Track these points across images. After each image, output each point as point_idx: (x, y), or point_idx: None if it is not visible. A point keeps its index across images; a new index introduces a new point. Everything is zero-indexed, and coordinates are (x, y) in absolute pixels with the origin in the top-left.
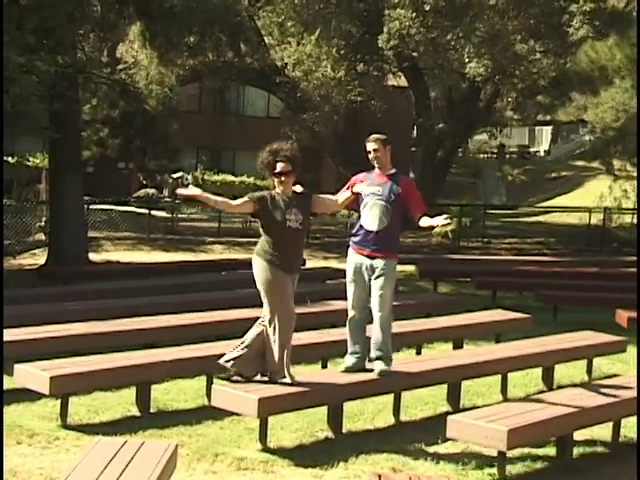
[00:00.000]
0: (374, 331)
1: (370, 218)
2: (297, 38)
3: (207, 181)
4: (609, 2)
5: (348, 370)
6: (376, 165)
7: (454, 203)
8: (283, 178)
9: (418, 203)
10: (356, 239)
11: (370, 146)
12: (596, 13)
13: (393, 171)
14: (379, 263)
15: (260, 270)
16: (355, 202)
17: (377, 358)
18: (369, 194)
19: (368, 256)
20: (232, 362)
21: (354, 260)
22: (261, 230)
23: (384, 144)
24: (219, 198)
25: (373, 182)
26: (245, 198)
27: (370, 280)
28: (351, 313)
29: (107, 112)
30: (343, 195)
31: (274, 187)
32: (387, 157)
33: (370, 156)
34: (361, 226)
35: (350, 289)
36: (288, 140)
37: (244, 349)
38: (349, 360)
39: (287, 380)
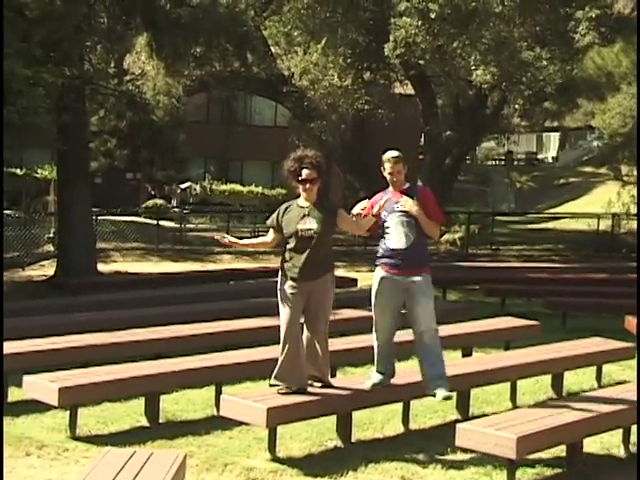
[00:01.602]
0: (427, 357)
1: (396, 236)
2: (303, 47)
3: (215, 191)
4: (615, 8)
5: (375, 387)
6: (392, 183)
7: (462, 210)
8: (308, 185)
9: (435, 213)
10: (384, 260)
11: (387, 167)
12: (602, 19)
13: (407, 185)
14: (415, 280)
15: (278, 279)
16: (377, 225)
17: (438, 386)
18: (390, 212)
19: (401, 274)
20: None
21: (384, 280)
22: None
23: (400, 162)
24: (254, 240)
25: (391, 200)
26: (270, 230)
27: (405, 301)
28: (381, 336)
29: (115, 123)
30: (366, 221)
31: (298, 195)
32: (404, 174)
33: (387, 176)
34: (387, 246)
35: (379, 310)
36: (309, 149)
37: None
38: (376, 377)
39: (278, 387)
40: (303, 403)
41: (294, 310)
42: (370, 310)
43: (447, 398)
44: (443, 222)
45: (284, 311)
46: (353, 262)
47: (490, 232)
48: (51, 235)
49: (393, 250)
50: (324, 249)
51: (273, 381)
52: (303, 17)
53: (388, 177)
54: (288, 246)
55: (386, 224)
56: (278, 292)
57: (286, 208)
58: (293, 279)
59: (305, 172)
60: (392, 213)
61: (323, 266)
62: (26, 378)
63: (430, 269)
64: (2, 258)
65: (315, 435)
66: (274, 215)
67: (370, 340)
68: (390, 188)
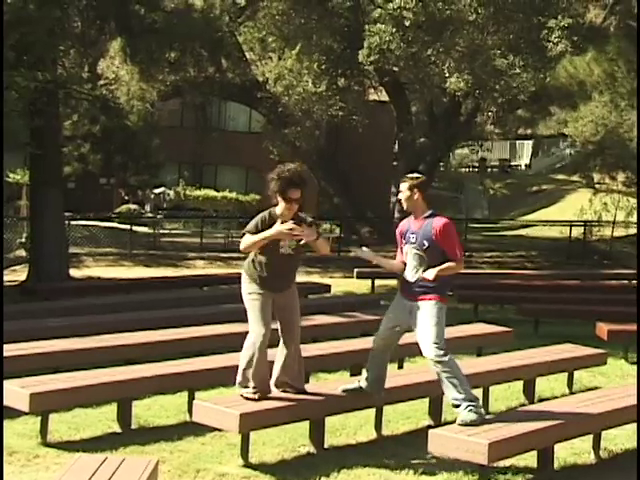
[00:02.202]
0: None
1: (409, 267)
2: (278, 53)
3: (189, 196)
4: (587, 17)
5: (345, 391)
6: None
7: None
8: (294, 204)
9: (450, 249)
10: (401, 282)
11: (400, 193)
12: (574, 28)
13: (428, 213)
14: (418, 306)
15: (245, 286)
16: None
17: (455, 407)
18: (407, 243)
19: (407, 298)
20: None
21: (398, 297)
22: (257, 252)
23: (412, 187)
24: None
25: (410, 229)
26: (247, 235)
27: (409, 323)
28: (377, 341)
29: (88, 128)
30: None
31: (275, 208)
32: (417, 201)
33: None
34: (404, 273)
35: (386, 319)
36: (291, 162)
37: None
38: (353, 385)
39: (243, 392)
40: (276, 409)
41: (268, 316)
42: (342, 316)
43: (463, 424)
44: (456, 259)
45: (257, 317)
46: (327, 268)
47: (464, 239)
48: (23, 240)
49: (406, 280)
50: (297, 262)
51: (240, 386)
52: (278, 23)
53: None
54: (263, 256)
55: (405, 251)
56: (248, 298)
57: (270, 222)
58: (269, 288)
59: (295, 193)
60: (407, 244)
61: (293, 276)
62: None
63: (438, 297)
64: (2, 258)
65: (288, 441)
66: (257, 222)
67: (343, 346)
68: (412, 215)
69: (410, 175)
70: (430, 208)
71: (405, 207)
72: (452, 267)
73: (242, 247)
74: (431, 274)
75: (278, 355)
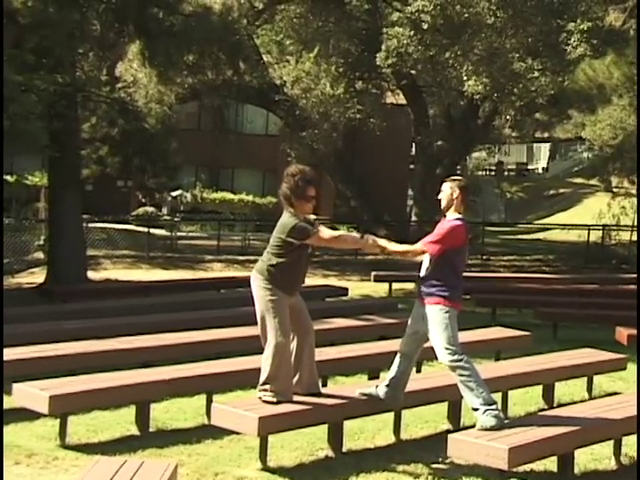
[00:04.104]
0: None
1: (423, 267)
2: (296, 56)
3: (206, 199)
4: (606, 21)
5: (363, 395)
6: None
7: None
8: (314, 202)
9: (429, 236)
10: (417, 286)
11: (441, 192)
12: (593, 31)
13: (453, 217)
14: (426, 310)
15: (265, 292)
16: None
17: (474, 410)
18: None
19: (420, 302)
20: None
21: (416, 303)
22: (279, 252)
23: (455, 187)
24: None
25: None
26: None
27: (425, 329)
28: (401, 347)
29: (106, 130)
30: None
31: (293, 210)
32: (454, 201)
33: None
34: None
35: (408, 324)
36: (301, 163)
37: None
38: (372, 389)
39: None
40: (294, 412)
41: (288, 321)
42: (360, 319)
43: (482, 429)
44: (424, 246)
45: (282, 323)
46: (344, 271)
47: (481, 242)
48: (41, 242)
49: (419, 277)
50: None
51: (262, 389)
52: (295, 26)
53: None
54: (289, 259)
55: None
56: (271, 306)
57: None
58: (290, 292)
59: (312, 190)
60: None
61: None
62: (16, 386)
63: (440, 301)
64: (2, 259)
65: (306, 444)
66: (305, 224)
67: (361, 349)
68: None
69: (454, 177)
70: (463, 215)
71: (442, 205)
72: (410, 250)
73: (328, 241)
74: (383, 243)
75: (293, 361)
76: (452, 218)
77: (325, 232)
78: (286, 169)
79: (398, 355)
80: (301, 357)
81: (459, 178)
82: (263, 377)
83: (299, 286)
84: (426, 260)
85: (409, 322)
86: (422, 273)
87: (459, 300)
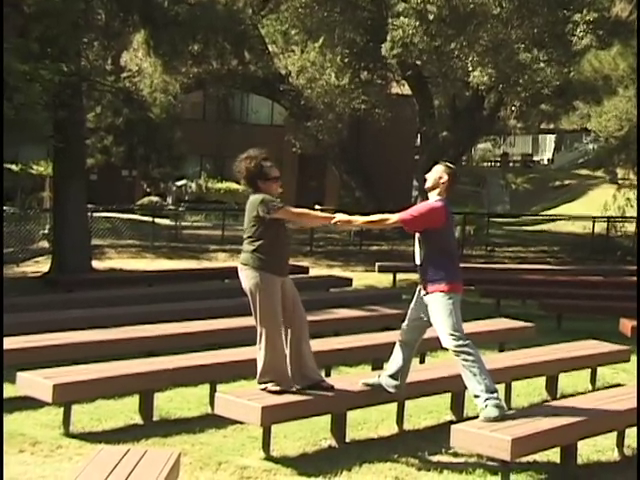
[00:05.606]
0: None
1: (416, 253)
2: (301, 46)
3: (211, 189)
4: (612, 11)
5: (367, 385)
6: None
7: (458, 211)
8: (280, 182)
9: (408, 209)
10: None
11: (430, 173)
12: (599, 22)
13: (432, 198)
14: (427, 299)
15: (254, 281)
16: None
17: (475, 397)
18: None
19: (422, 290)
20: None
21: (418, 290)
22: (256, 234)
23: (444, 172)
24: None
25: None
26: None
27: (428, 317)
28: (401, 336)
29: (111, 120)
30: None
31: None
32: (435, 182)
33: None
34: None
35: (409, 311)
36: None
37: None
38: (374, 380)
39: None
40: (297, 402)
41: (278, 308)
42: (364, 310)
43: (486, 420)
44: (400, 217)
45: (272, 307)
46: (348, 262)
47: (485, 233)
48: (46, 231)
49: (416, 265)
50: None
51: (261, 381)
52: (301, 16)
53: None
54: (264, 239)
55: None
56: (263, 294)
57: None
58: (280, 272)
59: (277, 170)
60: None
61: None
62: (20, 374)
63: (441, 287)
64: (2, 257)
65: (309, 434)
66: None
67: (364, 340)
68: None
69: (446, 163)
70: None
71: (427, 185)
72: (383, 217)
73: (294, 215)
74: (353, 217)
75: (289, 352)
76: (434, 200)
77: (292, 208)
78: (243, 154)
79: (398, 344)
80: (300, 347)
81: (452, 166)
82: (260, 368)
83: (286, 264)
84: (417, 247)
85: (410, 309)
86: (417, 261)
87: (458, 282)
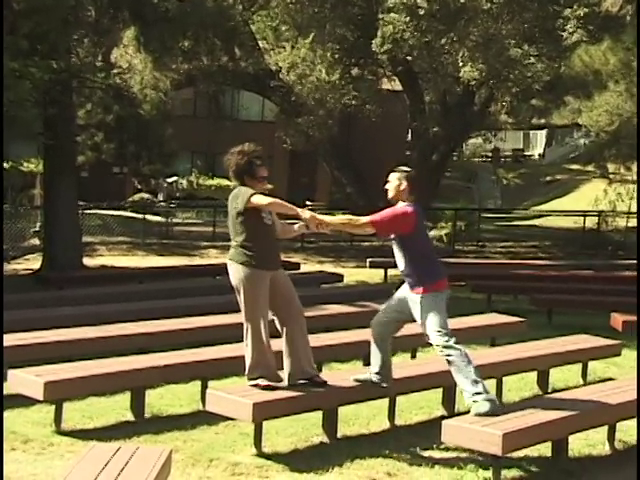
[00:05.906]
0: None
1: (397, 260)
2: (291, 42)
3: (202, 185)
4: (603, 6)
5: (357, 380)
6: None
7: (449, 207)
8: (266, 183)
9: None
10: None
11: (388, 183)
12: (590, 17)
13: (404, 204)
14: (413, 298)
15: (240, 276)
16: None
17: (465, 391)
18: None
19: (409, 291)
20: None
21: (404, 285)
22: (241, 227)
23: (401, 178)
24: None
25: None
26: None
27: (411, 314)
28: (374, 328)
29: (101, 117)
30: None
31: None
32: (402, 191)
33: None
34: None
35: (384, 307)
36: (255, 143)
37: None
38: (364, 375)
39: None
40: (289, 398)
41: (264, 303)
42: (355, 306)
43: (477, 415)
44: (369, 220)
45: (255, 302)
46: (339, 258)
47: (476, 229)
48: (37, 229)
49: (401, 271)
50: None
51: (251, 377)
52: (291, 12)
53: None
54: (249, 232)
55: None
56: (249, 287)
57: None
58: (267, 266)
59: (264, 170)
60: None
61: (280, 251)
62: (11, 372)
63: (425, 288)
64: (2, 255)
65: (301, 430)
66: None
67: (356, 335)
68: None
69: (401, 167)
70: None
71: (389, 196)
72: (352, 219)
73: (263, 202)
74: (322, 217)
75: (285, 347)
76: (403, 205)
77: (262, 196)
78: (236, 147)
79: (372, 341)
80: (297, 341)
81: (406, 169)
82: (248, 364)
83: (273, 258)
84: (396, 253)
85: (391, 301)
86: (400, 267)
87: (442, 280)
